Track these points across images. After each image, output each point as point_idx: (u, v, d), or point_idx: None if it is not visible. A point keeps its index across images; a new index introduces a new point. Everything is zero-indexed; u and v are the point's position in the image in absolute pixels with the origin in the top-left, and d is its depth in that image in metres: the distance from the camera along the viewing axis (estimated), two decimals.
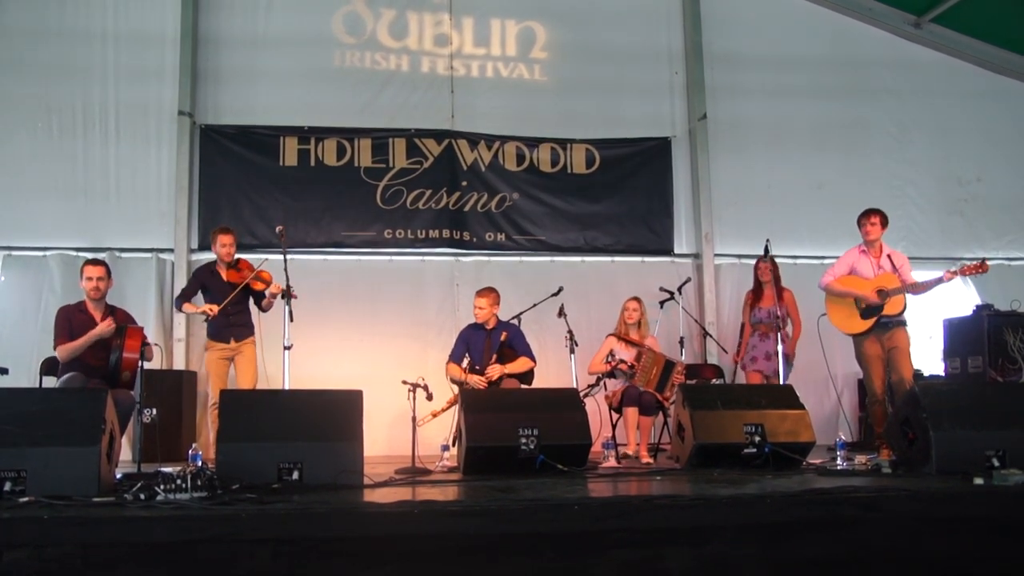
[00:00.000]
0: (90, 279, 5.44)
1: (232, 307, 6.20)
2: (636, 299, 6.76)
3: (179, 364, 7.66)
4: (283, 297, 5.92)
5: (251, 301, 6.37)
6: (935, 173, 9.11)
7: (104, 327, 5.28)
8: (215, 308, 6.10)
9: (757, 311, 7.01)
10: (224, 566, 3.19)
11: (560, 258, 8.48)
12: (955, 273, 6.02)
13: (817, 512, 3.64)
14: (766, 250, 6.76)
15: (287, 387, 5.84)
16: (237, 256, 6.37)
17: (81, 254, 7.58)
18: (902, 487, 3.95)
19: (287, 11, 8.40)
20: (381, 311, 8.03)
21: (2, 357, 6.79)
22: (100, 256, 7.26)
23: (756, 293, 7.11)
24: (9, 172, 7.80)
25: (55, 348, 5.36)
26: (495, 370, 6.22)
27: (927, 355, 8.05)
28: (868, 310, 6.10)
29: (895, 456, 5.15)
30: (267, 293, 6.20)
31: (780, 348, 6.39)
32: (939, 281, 5.99)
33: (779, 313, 6.51)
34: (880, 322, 6.06)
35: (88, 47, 8.06)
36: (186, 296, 6.31)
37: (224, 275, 6.27)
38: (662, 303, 7.66)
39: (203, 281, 6.32)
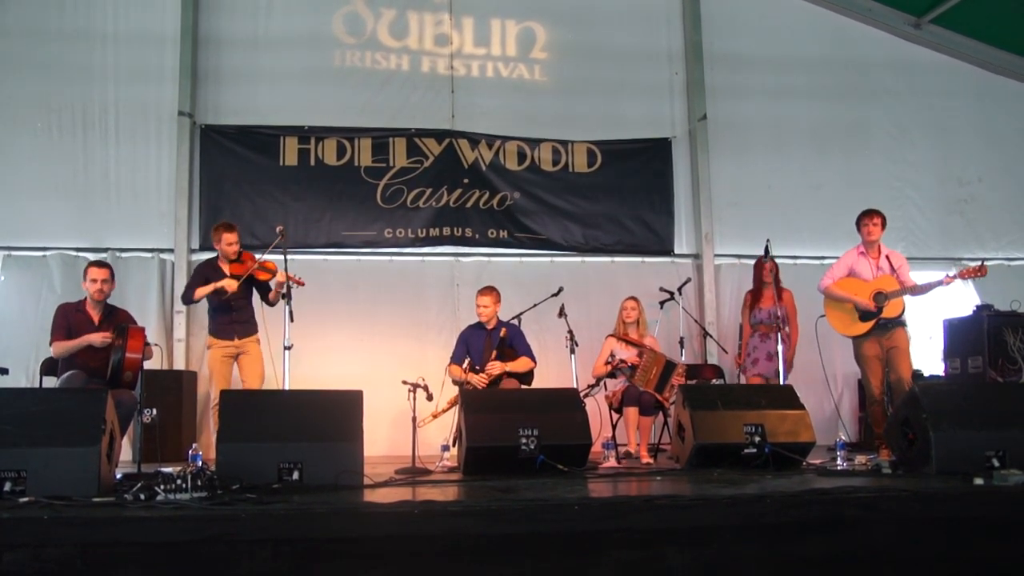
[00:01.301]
0: (94, 281, 5.43)
1: (235, 302, 6.13)
2: (633, 298, 6.76)
3: (179, 364, 7.66)
4: (285, 296, 5.85)
5: (253, 299, 6.30)
6: (935, 174, 9.11)
7: (99, 337, 5.26)
8: (234, 283, 5.95)
9: (757, 311, 6.99)
10: (224, 566, 3.19)
11: (560, 258, 8.49)
12: (954, 277, 6.04)
13: (817, 512, 3.63)
14: (766, 251, 6.76)
15: (287, 387, 5.83)
16: (239, 251, 6.23)
17: (81, 254, 7.60)
18: (902, 487, 3.95)
19: (287, 11, 8.40)
20: (381, 311, 8.04)
21: (2, 357, 6.80)
22: (102, 257, 7.29)
23: (756, 294, 7.09)
24: (9, 172, 7.81)
25: (50, 344, 5.37)
26: (495, 367, 6.22)
27: (927, 355, 8.05)
28: (867, 313, 6.10)
29: (895, 456, 5.15)
30: (272, 283, 6.05)
31: (780, 348, 6.39)
32: (938, 284, 6.01)
33: (779, 313, 6.50)
34: (879, 324, 6.07)
35: (88, 47, 8.06)
36: (193, 287, 6.15)
37: (227, 269, 6.16)
38: (662, 303, 7.67)
39: (206, 275, 6.19)
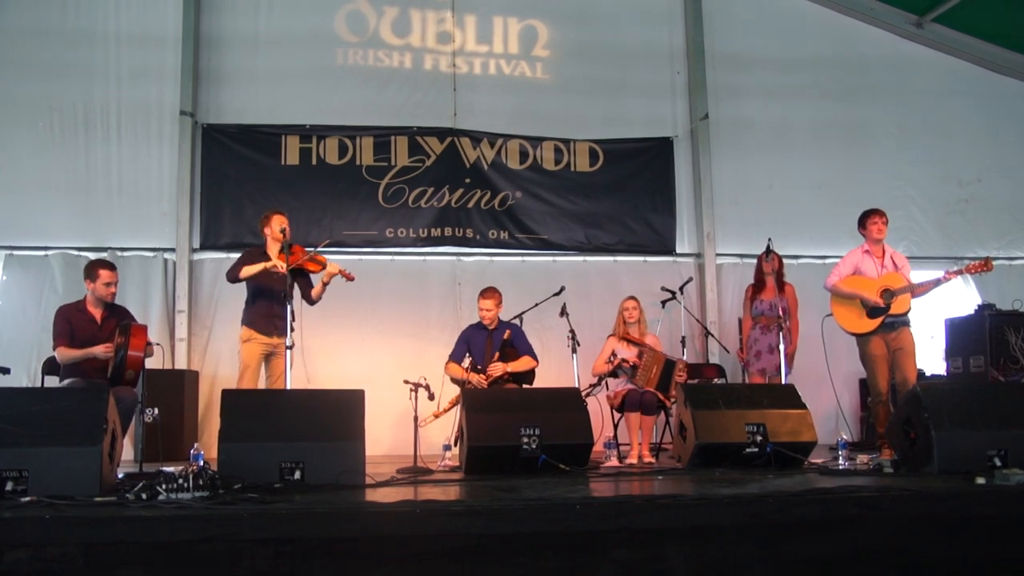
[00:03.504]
0: (108, 284, 5.45)
1: (278, 297, 5.84)
2: (633, 298, 6.74)
3: (181, 364, 7.65)
4: (286, 296, 5.72)
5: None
6: (935, 173, 9.10)
7: (102, 349, 5.25)
8: (283, 264, 5.72)
9: (759, 303, 6.97)
10: (226, 566, 3.20)
11: (562, 258, 8.48)
12: (956, 273, 6.03)
13: (819, 512, 3.63)
14: (768, 249, 6.75)
15: (289, 387, 5.81)
16: (289, 242, 5.98)
17: (83, 254, 7.59)
18: (904, 487, 3.95)
19: (289, 10, 8.39)
20: (383, 311, 8.02)
21: (3, 357, 6.79)
22: (103, 256, 7.29)
23: (757, 286, 7.08)
24: (11, 171, 7.80)
25: (54, 349, 5.37)
26: (497, 368, 6.22)
27: (929, 355, 8.04)
28: (875, 309, 6.10)
29: (897, 456, 5.15)
30: (321, 276, 5.90)
31: (782, 343, 6.39)
32: (939, 283, 6.00)
33: (781, 305, 6.51)
34: (886, 322, 6.06)
35: (90, 47, 8.06)
36: (239, 266, 5.91)
37: (275, 257, 5.94)
38: (664, 303, 7.66)
39: (254, 258, 5.98)
